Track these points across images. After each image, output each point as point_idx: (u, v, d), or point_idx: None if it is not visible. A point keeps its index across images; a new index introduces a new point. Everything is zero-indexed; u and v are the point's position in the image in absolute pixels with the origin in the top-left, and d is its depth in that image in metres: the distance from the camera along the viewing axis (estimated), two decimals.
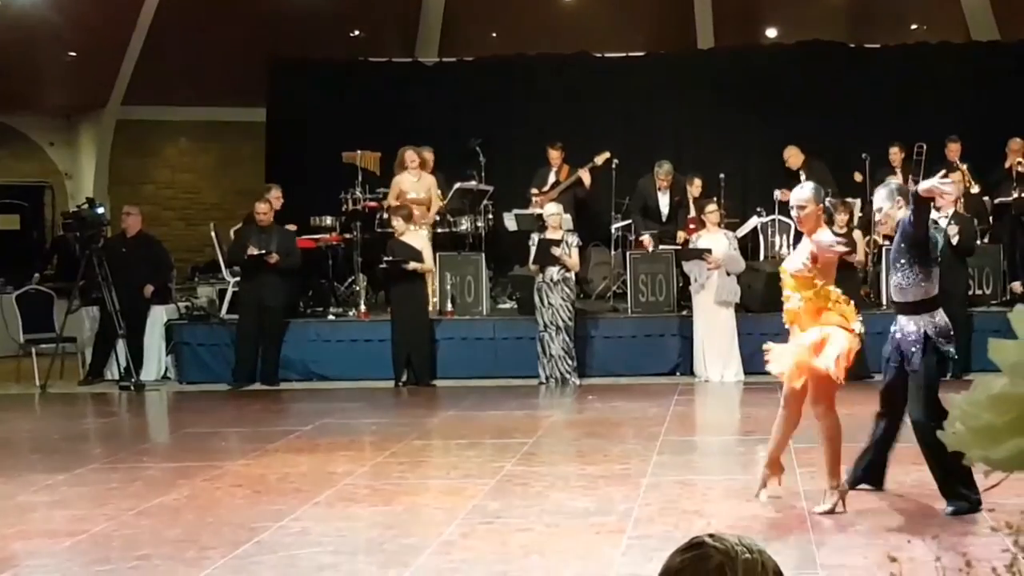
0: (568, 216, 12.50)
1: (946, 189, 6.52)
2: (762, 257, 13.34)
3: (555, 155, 13.79)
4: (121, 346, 12.38)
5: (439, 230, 13.34)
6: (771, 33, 17.90)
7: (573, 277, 12.03)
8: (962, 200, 11.98)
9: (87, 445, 9.51)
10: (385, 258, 12.18)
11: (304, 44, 16.34)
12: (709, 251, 11.79)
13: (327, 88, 16.08)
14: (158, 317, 12.94)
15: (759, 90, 15.21)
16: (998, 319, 3.14)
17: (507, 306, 13.59)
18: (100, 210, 12.80)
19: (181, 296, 13.98)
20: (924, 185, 6.19)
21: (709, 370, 11.80)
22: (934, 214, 7.30)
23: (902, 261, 6.35)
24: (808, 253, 6.38)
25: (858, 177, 13.70)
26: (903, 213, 6.36)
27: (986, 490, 5.29)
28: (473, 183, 13.78)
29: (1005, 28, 16.31)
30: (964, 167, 13.17)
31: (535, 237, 12.02)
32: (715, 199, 12.63)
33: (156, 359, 12.87)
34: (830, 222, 6.93)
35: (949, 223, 10.47)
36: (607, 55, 16.09)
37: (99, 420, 11.19)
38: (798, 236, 8.20)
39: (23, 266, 16.30)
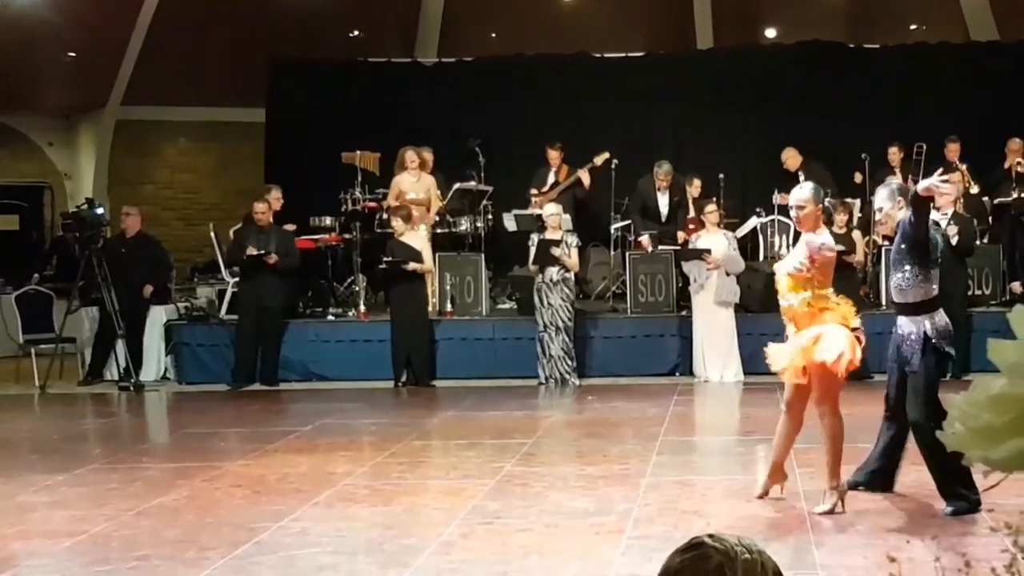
0: (567, 216, 12.49)
1: (944, 188, 6.52)
2: (761, 257, 13.33)
3: (554, 155, 13.78)
4: (120, 346, 12.38)
5: (439, 230, 13.33)
6: (771, 33, 17.90)
7: (573, 277, 12.02)
8: (962, 200, 11.97)
9: (87, 445, 9.50)
10: (385, 258, 12.17)
11: (304, 44, 16.34)
12: (708, 251, 11.79)
13: (327, 88, 16.07)
14: (157, 317, 12.94)
15: (759, 90, 15.20)
16: (997, 319, 3.14)
17: (507, 306, 13.59)
18: (99, 210, 12.78)
19: (180, 296, 13.97)
20: (922, 184, 6.20)
21: (708, 370, 11.80)
22: (934, 215, 7.29)
23: (902, 262, 6.35)
24: (805, 254, 6.38)
25: (858, 177, 13.69)
26: (904, 213, 6.35)
27: (985, 490, 5.30)
28: (473, 183, 13.77)
29: (1004, 28, 16.31)
30: (963, 167, 13.17)
31: (534, 237, 12.01)
32: (714, 199, 12.63)
33: (155, 359, 12.87)
34: (829, 222, 6.91)
35: (949, 223, 10.46)
36: (607, 55, 16.09)
37: (98, 420, 11.18)
38: (797, 236, 8.19)
39: (22, 266, 16.28)
